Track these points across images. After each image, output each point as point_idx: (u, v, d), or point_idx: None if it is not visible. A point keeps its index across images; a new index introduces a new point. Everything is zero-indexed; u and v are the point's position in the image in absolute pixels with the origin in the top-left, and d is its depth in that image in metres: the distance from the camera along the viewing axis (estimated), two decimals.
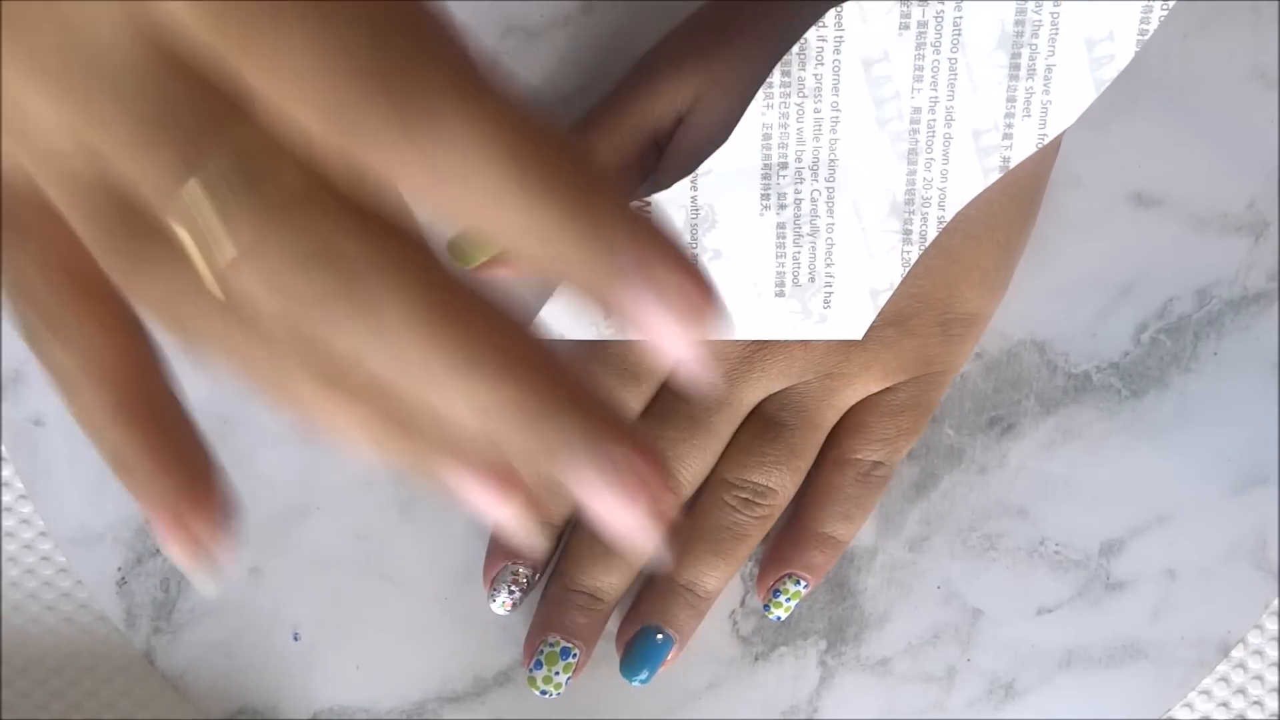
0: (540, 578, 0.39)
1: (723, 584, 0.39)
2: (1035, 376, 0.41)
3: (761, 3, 0.36)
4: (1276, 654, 0.42)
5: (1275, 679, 0.42)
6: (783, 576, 0.39)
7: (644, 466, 0.20)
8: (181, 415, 0.23)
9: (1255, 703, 0.43)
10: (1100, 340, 0.41)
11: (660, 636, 0.38)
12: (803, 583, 0.39)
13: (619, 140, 0.37)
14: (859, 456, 0.39)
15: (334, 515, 0.40)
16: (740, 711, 0.41)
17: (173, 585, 0.40)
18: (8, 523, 0.41)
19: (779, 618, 0.40)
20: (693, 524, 0.39)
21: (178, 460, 0.23)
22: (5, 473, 0.41)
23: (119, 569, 0.40)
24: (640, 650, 0.39)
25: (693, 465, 0.38)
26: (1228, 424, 0.41)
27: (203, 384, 0.40)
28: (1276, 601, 0.42)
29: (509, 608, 0.39)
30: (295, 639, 0.41)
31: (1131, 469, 0.41)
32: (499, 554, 0.39)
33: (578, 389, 0.20)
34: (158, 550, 0.40)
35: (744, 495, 0.38)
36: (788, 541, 0.40)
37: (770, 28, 0.36)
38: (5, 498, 0.41)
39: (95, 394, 0.23)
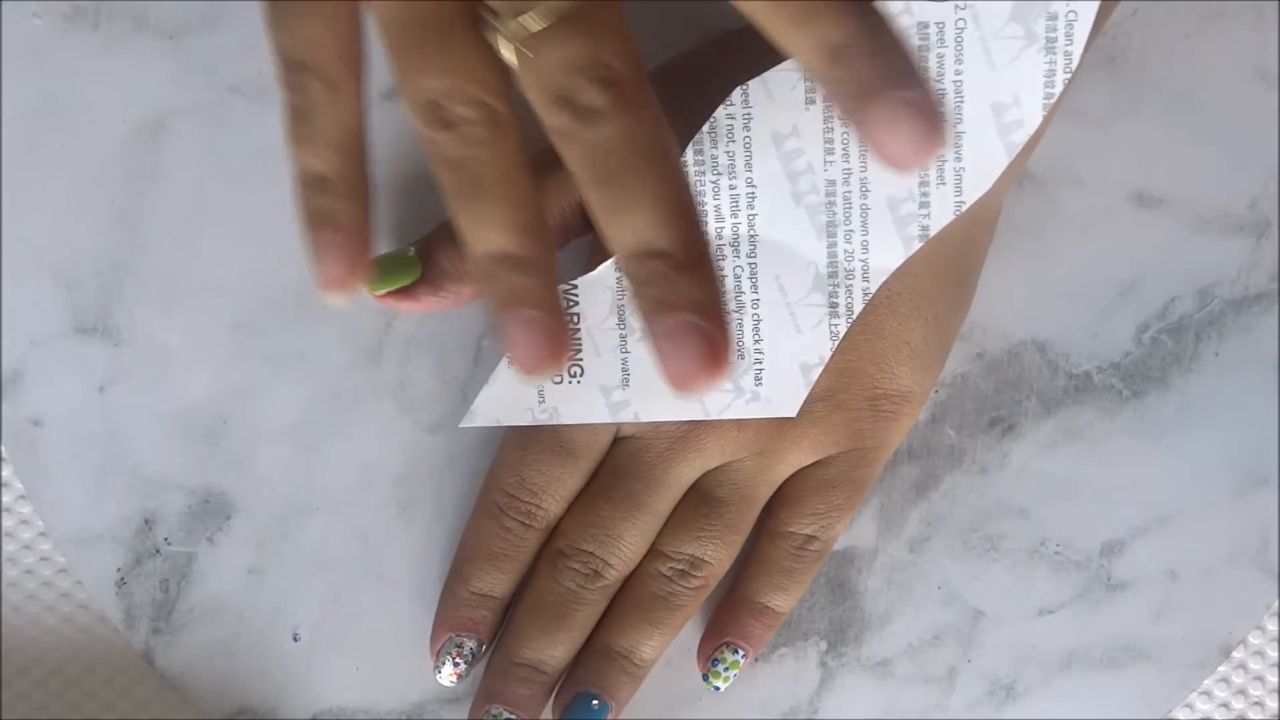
0: (487, 649, 0.39)
1: (658, 652, 0.39)
2: (1036, 377, 0.41)
3: (697, 80, 0.36)
4: (1277, 655, 0.42)
5: (1276, 680, 0.42)
6: (720, 646, 0.40)
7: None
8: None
9: (1256, 703, 0.42)
10: (1101, 340, 0.41)
11: (596, 703, 0.39)
12: (740, 652, 0.40)
13: (550, 202, 0.37)
14: (792, 529, 0.39)
15: (334, 515, 0.40)
16: (740, 712, 0.41)
17: (172, 586, 0.40)
18: (7, 523, 0.41)
19: (718, 688, 0.40)
20: (630, 593, 0.39)
21: (362, 196, 0.33)
22: (5, 473, 0.41)
23: (118, 569, 0.40)
24: (575, 717, 0.39)
25: (632, 542, 0.38)
26: (1229, 425, 0.41)
27: (202, 385, 0.40)
28: (1277, 603, 0.42)
29: (455, 679, 0.39)
30: (295, 639, 0.41)
31: (1132, 470, 0.41)
32: (444, 626, 0.39)
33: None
34: (157, 550, 0.40)
35: (679, 566, 0.38)
36: (725, 611, 0.40)
37: (696, 107, 0.36)
38: (5, 498, 0.41)
39: (341, 128, 0.33)
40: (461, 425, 0.38)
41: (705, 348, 0.30)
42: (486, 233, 0.32)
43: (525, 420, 0.37)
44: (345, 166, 0.33)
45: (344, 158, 0.33)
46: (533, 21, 0.30)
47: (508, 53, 0.31)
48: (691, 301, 0.30)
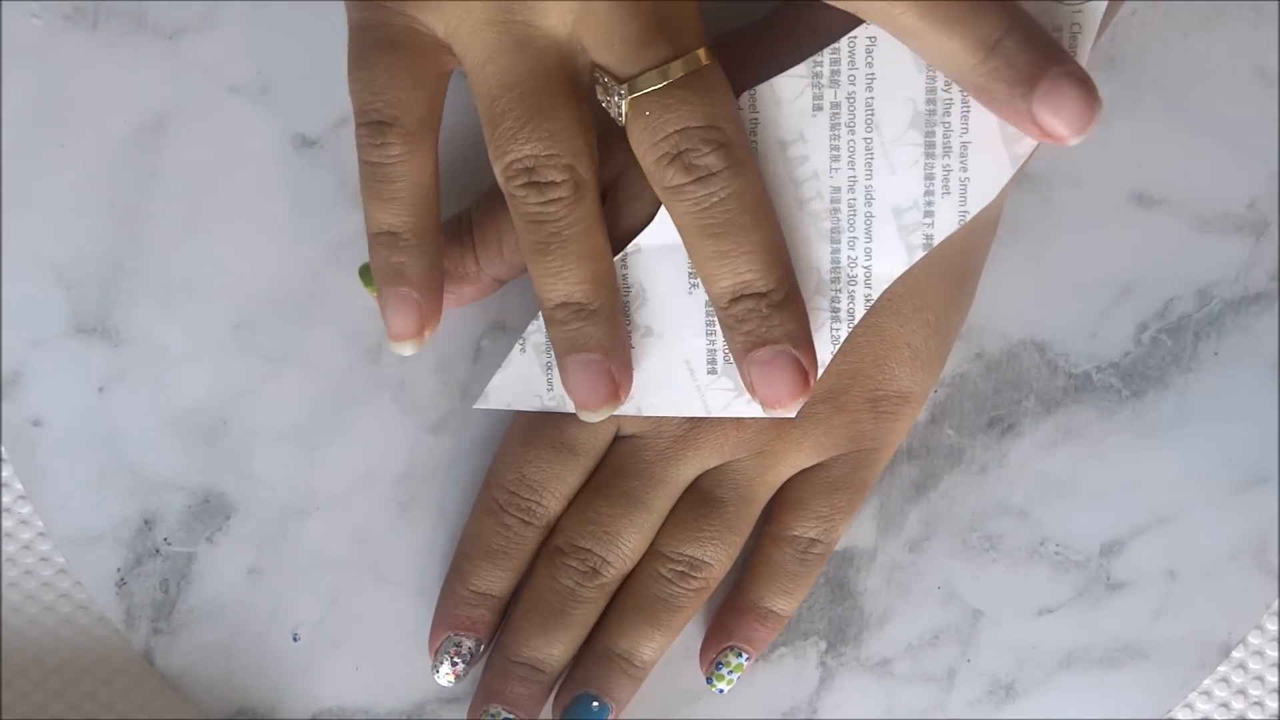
0: (485, 648, 0.39)
1: (659, 653, 0.39)
2: (1035, 376, 0.41)
3: (750, 59, 0.37)
4: (1277, 654, 0.42)
5: (1276, 679, 0.42)
6: (724, 649, 0.40)
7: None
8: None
9: (1256, 703, 0.43)
10: (1100, 340, 0.41)
11: (596, 705, 0.39)
12: (744, 655, 0.40)
13: None
14: (796, 533, 0.39)
15: (334, 515, 0.40)
16: (740, 712, 0.41)
17: (172, 586, 0.40)
18: (7, 523, 0.41)
19: (721, 690, 0.40)
20: (630, 595, 0.39)
21: (433, 251, 0.35)
22: (5, 473, 0.41)
23: (118, 570, 0.40)
24: (576, 718, 0.39)
25: (630, 540, 0.38)
26: (1228, 424, 0.41)
27: (202, 385, 0.40)
28: (1277, 602, 0.42)
29: (452, 678, 0.39)
30: (295, 639, 0.41)
31: (1132, 469, 0.41)
32: (442, 624, 0.39)
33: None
34: (157, 551, 0.40)
35: (679, 568, 0.38)
36: (729, 614, 0.40)
37: (747, 85, 0.36)
38: (5, 498, 0.41)
39: (416, 186, 0.35)
40: (475, 407, 0.38)
41: (796, 374, 0.35)
42: (558, 283, 0.35)
43: (534, 406, 0.38)
44: (418, 223, 0.35)
45: (418, 215, 0.35)
46: (649, 83, 0.33)
47: (618, 111, 0.34)
48: (785, 334, 0.35)
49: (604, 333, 0.35)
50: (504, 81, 0.34)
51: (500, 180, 0.35)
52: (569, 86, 0.34)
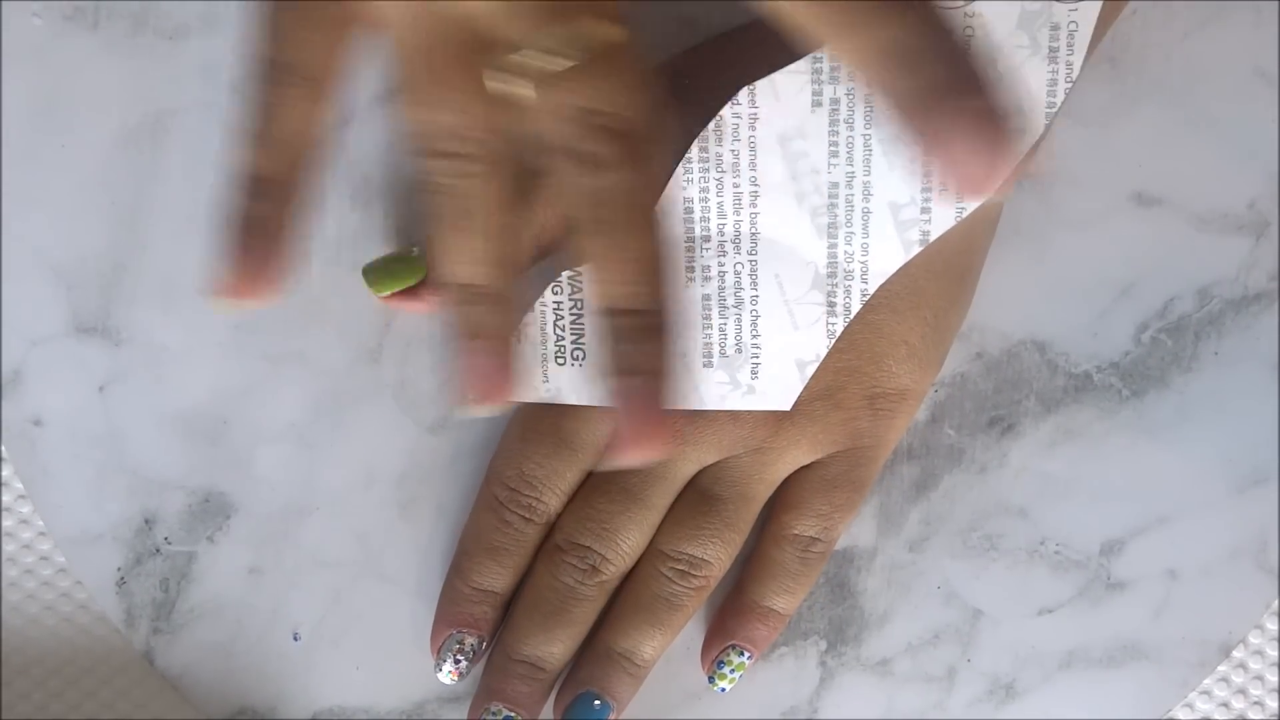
0: (487, 646, 0.39)
1: (659, 652, 0.39)
2: (1035, 376, 0.41)
3: (681, 82, 0.37)
4: (1277, 654, 0.42)
5: (1276, 679, 0.42)
6: (726, 648, 0.40)
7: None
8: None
9: (1256, 703, 0.43)
10: (1101, 340, 0.41)
11: (598, 703, 0.39)
12: (746, 654, 0.40)
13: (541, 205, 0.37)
14: (796, 532, 0.39)
15: (334, 515, 0.40)
16: (740, 711, 0.41)
17: (172, 585, 0.40)
18: (7, 523, 0.41)
19: (723, 689, 0.40)
20: (630, 594, 0.39)
21: (293, 212, 0.32)
22: (5, 473, 0.41)
23: (118, 569, 0.40)
24: (578, 717, 0.39)
25: (630, 537, 0.38)
26: (1229, 424, 0.41)
27: (202, 385, 0.40)
28: (1277, 602, 0.42)
29: (455, 677, 0.39)
30: (295, 639, 0.41)
31: (1132, 469, 0.41)
32: (444, 622, 0.39)
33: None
34: (157, 550, 0.40)
35: (679, 567, 0.39)
36: (730, 613, 0.40)
37: (689, 104, 0.36)
38: (5, 498, 0.41)
39: (299, 130, 0.32)
40: None
41: (658, 418, 0.32)
42: (460, 262, 0.33)
43: (529, 397, 0.38)
44: (292, 175, 0.32)
45: (294, 167, 0.32)
46: (555, 63, 0.31)
47: (524, 89, 0.32)
48: (655, 369, 0.32)
49: (499, 321, 0.33)
50: (423, 45, 0.32)
51: (413, 150, 0.33)
52: (482, 59, 0.32)
